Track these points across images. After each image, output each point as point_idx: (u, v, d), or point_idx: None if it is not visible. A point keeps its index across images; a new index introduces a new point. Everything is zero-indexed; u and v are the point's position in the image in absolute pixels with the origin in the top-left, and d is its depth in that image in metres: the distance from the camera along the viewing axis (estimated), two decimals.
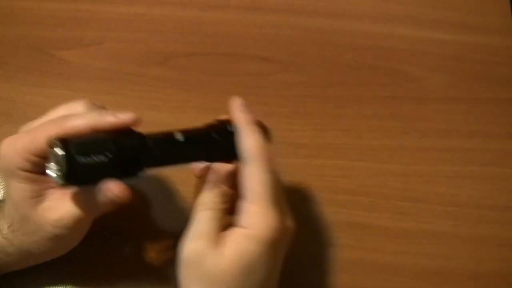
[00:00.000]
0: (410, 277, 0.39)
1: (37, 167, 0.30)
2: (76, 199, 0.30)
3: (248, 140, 0.31)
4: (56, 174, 0.27)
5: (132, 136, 0.30)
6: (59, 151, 0.27)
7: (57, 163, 0.27)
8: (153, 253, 0.38)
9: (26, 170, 0.30)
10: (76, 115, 0.30)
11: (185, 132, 0.32)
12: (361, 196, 0.42)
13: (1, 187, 0.42)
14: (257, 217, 0.30)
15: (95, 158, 0.28)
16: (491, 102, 0.47)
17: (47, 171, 0.28)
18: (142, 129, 0.44)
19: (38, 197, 0.30)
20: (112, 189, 0.29)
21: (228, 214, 0.32)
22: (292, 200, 0.42)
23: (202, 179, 0.33)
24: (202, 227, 0.31)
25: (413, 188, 0.43)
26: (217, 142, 0.33)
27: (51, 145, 0.28)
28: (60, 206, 0.30)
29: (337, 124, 0.45)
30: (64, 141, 0.27)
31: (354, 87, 0.47)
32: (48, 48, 0.48)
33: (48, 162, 0.28)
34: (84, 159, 0.27)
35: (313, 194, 0.42)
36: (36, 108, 0.45)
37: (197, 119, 0.45)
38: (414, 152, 0.44)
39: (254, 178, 0.30)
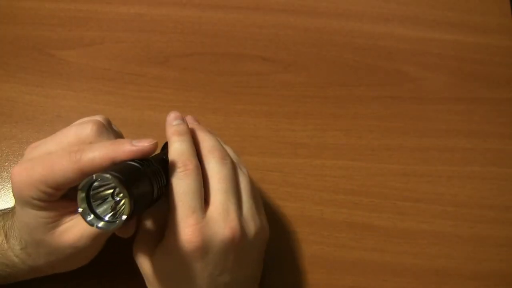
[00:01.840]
0: (410, 277, 0.39)
1: (52, 197, 0.29)
2: None
3: (170, 152, 0.31)
4: (105, 221, 0.26)
5: (151, 162, 0.29)
6: (121, 194, 0.24)
7: (107, 205, 0.26)
8: None
9: (42, 200, 0.29)
10: (92, 146, 0.28)
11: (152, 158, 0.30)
12: (361, 196, 0.42)
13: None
14: (170, 227, 0.29)
15: (143, 190, 0.26)
16: (491, 102, 0.47)
17: (86, 219, 0.26)
18: (142, 129, 0.44)
19: (54, 222, 0.30)
20: None
21: None
22: (292, 200, 0.42)
23: None
24: (143, 234, 0.31)
25: (413, 188, 0.43)
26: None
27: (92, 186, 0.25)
28: (76, 226, 0.30)
29: (337, 124, 0.45)
30: (122, 181, 0.24)
31: (354, 87, 0.47)
32: (48, 48, 0.48)
33: (88, 206, 0.26)
34: (138, 194, 0.25)
35: (312, 194, 0.42)
36: (36, 108, 0.45)
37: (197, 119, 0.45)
38: (414, 152, 0.44)
39: (170, 188, 0.29)
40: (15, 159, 0.43)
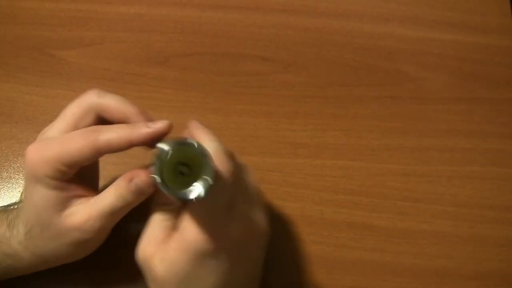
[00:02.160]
0: (410, 277, 0.39)
1: (65, 175, 0.30)
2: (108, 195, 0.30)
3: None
4: (201, 188, 0.26)
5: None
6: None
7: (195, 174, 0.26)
8: None
9: (55, 179, 0.29)
10: (108, 128, 0.29)
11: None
12: (361, 196, 0.42)
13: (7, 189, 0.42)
14: (189, 222, 0.29)
15: None
16: (491, 102, 0.47)
17: (183, 194, 0.26)
18: None
19: (63, 204, 0.30)
20: (141, 176, 0.29)
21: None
22: (292, 200, 0.42)
23: None
24: (152, 231, 0.30)
25: (413, 188, 0.43)
26: None
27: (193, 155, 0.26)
28: (84, 209, 0.30)
29: (337, 124, 0.45)
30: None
31: (354, 87, 0.47)
32: (48, 48, 0.48)
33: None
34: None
35: (312, 194, 0.42)
36: (36, 108, 0.45)
37: (197, 119, 0.45)
38: (414, 152, 0.44)
39: None
40: (15, 159, 0.43)
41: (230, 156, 0.32)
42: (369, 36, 0.50)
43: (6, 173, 0.42)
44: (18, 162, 0.43)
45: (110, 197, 0.30)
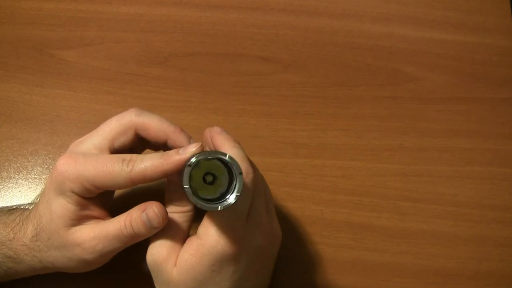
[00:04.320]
0: (410, 277, 0.39)
1: (91, 194, 0.30)
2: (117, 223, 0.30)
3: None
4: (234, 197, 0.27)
5: None
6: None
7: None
8: None
9: (79, 195, 0.30)
10: (143, 157, 0.29)
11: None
12: (361, 196, 0.42)
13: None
14: (210, 228, 0.29)
15: None
16: (491, 102, 0.47)
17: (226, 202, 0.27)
18: None
19: (77, 220, 0.30)
20: (154, 208, 0.29)
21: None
22: (292, 200, 0.42)
23: (171, 179, 0.32)
24: (164, 235, 0.30)
25: (413, 188, 0.43)
26: None
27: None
28: (91, 229, 0.30)
29: (337, 124, 0.45)
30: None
31: (354, 87, 0.47)
32: (48, 48, 0.48)
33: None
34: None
35: (312, 194, 0.42)
36: (36, 108, 0.45)
37: (197, 119, 0.45)
38: (414, 152, 0.44)
39: None
40: (15, 159, 0.43)
41: (253, 163, 0.32)
42: (369, 36, 0.50)
43: (6, 173, 0.42)
44: (18, 162, 0.43)
45: (119, 223, 0.30)
